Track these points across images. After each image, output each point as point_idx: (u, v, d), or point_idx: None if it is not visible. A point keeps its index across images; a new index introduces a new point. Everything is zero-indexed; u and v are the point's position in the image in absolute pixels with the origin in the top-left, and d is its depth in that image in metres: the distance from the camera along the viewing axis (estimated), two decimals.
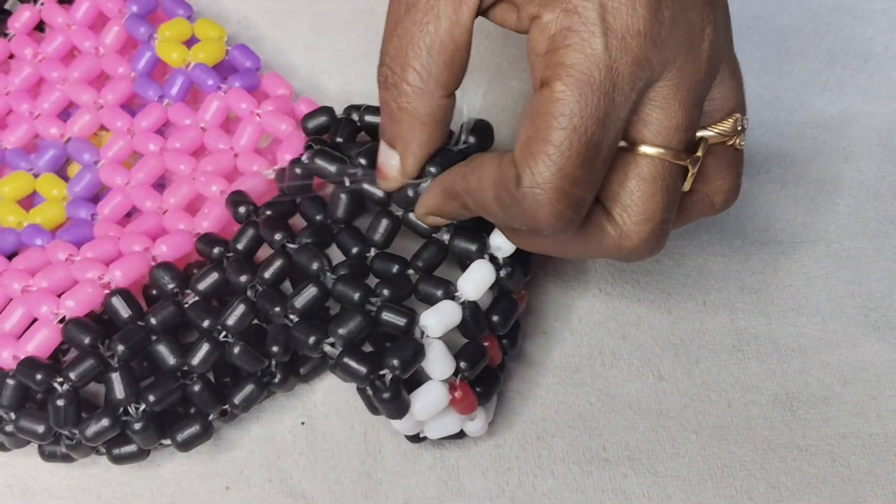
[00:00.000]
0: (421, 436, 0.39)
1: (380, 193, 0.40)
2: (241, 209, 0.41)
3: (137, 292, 0.41)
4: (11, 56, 0.47)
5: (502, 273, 0.39)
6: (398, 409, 0.37)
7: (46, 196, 0.44)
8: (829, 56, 0.51)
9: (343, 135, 0.43)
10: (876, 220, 0.46)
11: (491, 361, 0.39)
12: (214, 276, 0.40)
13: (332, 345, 0.37)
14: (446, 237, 0.40)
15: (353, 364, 0.37)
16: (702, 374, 0.42)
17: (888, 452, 0.41)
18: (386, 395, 0.36)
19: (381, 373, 0.37)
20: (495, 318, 0.39)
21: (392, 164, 0.38)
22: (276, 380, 0.40)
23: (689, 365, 0.43)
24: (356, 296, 0.38)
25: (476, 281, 0.38)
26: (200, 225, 0.42)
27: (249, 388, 0.39)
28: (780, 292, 0.44)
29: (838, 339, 0.43)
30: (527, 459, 0.41)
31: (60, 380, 0.37)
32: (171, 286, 0.40)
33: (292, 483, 0.40)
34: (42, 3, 0.47)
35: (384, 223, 0.40)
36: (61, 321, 0.38)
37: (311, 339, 0.37)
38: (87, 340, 0.38)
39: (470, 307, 0.38)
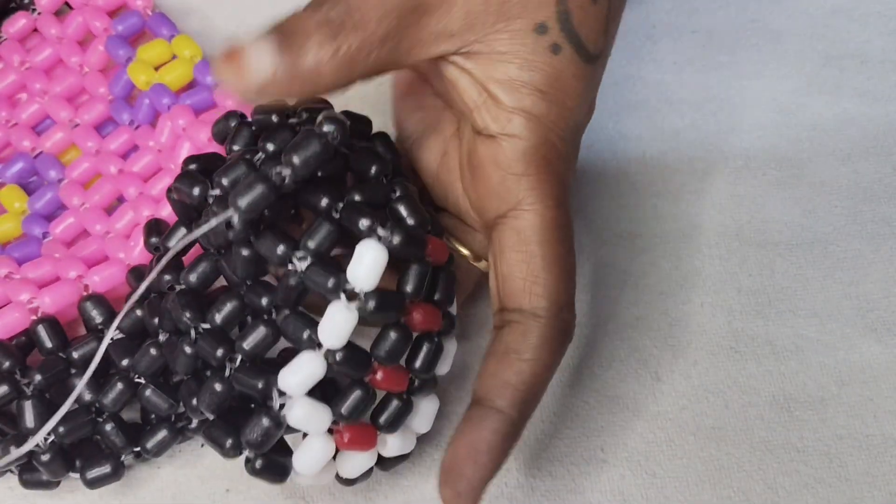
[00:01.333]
0: (352, 478, 0.37)
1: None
2: (153, 240, 0.38)
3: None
4: None
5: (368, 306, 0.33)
6: (276, 475, 0.34)
7: (8, 208, 0.43)
8: (826, 58, 0.51)
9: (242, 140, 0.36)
10: (873, 222, 0.46)
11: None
12: (136, 315, 0.38)
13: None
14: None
15: (218, 433, 0.34)
16: (699, 376, 0.42)
17: (885, 453, 0.41)
18: (257, 466, 0.34)
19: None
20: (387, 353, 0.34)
21: (266, 68, 0.32)
22: (192, 425, 0.38)
23: (686, 366, 0.43)
24: (218, 354, 0.34)
25: (335, 326, 0.32)
26: (133, 255, 0.41)
27: (162, 433, 0.38)
28: (778, 294, 0.44)
29: (836, 340, 0.43)
30: (525, 461, 0.41)
31: None
32: (96, 321, 0.39)
33: (291, 484, 0.40)
34: (38, 13, 0.47)
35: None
36: None
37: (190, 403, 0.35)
38: (4, 365, 0.37)
39: (336, 355, 0.33)
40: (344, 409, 0.34)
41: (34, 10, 0.47)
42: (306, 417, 0.33)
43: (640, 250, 0.45)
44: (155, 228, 0.39)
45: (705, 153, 0.48)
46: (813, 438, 0.41)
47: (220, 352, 0.33)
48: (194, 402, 0.34)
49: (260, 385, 0.33)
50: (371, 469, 0.36)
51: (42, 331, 0.38)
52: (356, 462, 0.36)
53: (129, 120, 0.45)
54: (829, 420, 0.42)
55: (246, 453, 0.34)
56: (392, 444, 0.36)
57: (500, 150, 0.35)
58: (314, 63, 0.32)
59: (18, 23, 0.47)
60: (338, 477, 0.37)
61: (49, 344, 0.38)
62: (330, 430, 0.34)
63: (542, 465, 0.41)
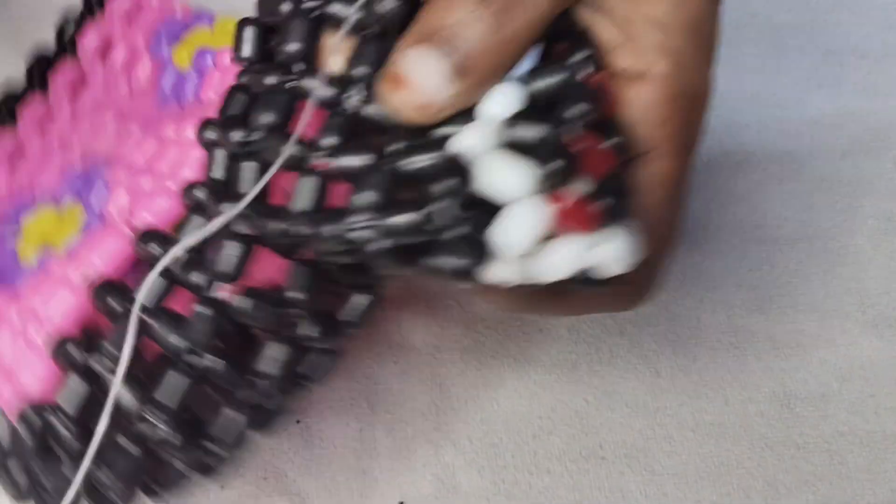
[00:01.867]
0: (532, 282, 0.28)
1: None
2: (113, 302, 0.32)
3: None
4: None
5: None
6: (470, 250, 0.27)
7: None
8: (826, 53, 0.51)
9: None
10: (874, 218, 0.46)
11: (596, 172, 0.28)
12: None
13: None
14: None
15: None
16: (699, 372, 0.42)
17: (886, 450, 0.41)
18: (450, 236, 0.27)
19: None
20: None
21: (446, 93, 0.28)
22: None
23: (686, 362, 0.42)
24: None
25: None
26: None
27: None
28: (778, 289, 0.44)
29: (836, 336, 0.43)
30: (522, 457, 0.40)
31: None
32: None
33: (287, 481, 0.40)
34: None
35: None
36: None
37: None
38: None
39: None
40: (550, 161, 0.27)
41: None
42: (501, 171, 0.27)
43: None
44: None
45: (704, 148, 0.48)
46: (813, 435, 0.41)
47: None
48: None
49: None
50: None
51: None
52: (560, 256, 0.28)
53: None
54: (830, 416, 0.41)
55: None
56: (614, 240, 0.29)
57: (641, 93, 0.32)
58: (496, 54, 0.28)
59: (65, 75, 0.44)
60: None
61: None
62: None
63: (540, 462, 0.40)
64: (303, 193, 0.29)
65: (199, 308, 0.31)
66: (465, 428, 0.41)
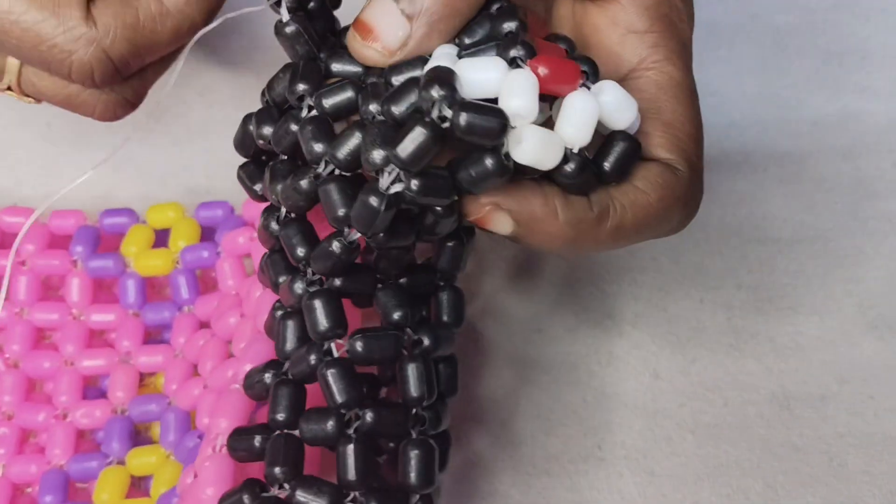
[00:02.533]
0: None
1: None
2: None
3: None
4: None
5: None
6: (494, 116, 0.29)
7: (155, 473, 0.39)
8: (827, 54, 0.51)
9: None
10: (874, 219, 0.46)
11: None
12: None
13: None
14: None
15: None
16: (698, 373, 0.42)
17: (885, 452, 0.41)
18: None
19: None
20: None
21: (399, 34, 0.31)
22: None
23: (685, 363, 0.42)
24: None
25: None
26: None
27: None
28: (778, 290, 0.44)
29: (836, 337, 0.43)
30: (521, 458, 0.40)
31: None
32: None
33: None
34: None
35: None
36: None
37: None
38: None
39: None
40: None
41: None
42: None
43: (639, 246, 0.45)
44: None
45: (705, 148, 0.48)
46: (813, 436, 0.41)
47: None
48: None
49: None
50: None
51: None
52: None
53: (174, 311, 0.42)
54: (829, 418, 0.41)
55: None
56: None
57: (619, 9, 0.34)
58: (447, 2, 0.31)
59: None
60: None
61: None
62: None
63: (539, 462, 0.40)
64: None
65: None
66: (465, 428, 0.41)
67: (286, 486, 0.31)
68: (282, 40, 0.33)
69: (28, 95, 0.36)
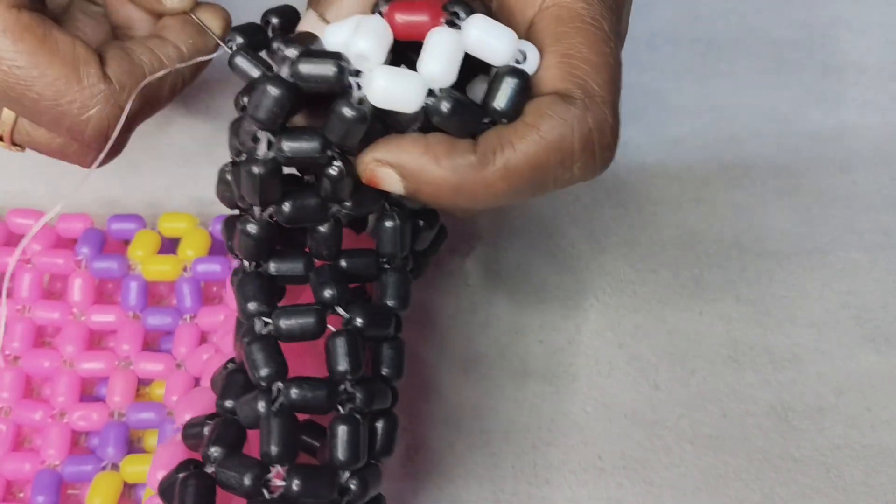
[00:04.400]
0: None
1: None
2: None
3: None
4: None
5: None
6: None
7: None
8: (825, 68, 0.51)
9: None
10: (871, 232, 0.46)
11: None
12: None
13: None
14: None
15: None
16: (697, 384, 0.42)
17: (882, 463, 0.41)
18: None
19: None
20: None
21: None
22: None
23: (684, 375, 0.43)
24: None
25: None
26: None
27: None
28: (776, 303, 0.44)
29: (833, 349, 0.43)
30: (522, 468, 0.41)
31: None
32: None
33: None
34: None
35: None
36: None
37: None
38: None
39: None
40: None
41: None
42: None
43: (638, 258, 0.45)
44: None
45: (704, 162, 0.48)
46: (810, 448, 0.41)
47: None
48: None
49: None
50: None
51: None
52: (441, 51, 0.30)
53: (178, 319, 0.42)
54: (827, 430, 0.42)
55: None
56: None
57: None
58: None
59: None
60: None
61: None
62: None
63: (539, 472, 0.40)
64: None
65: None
66: (466, 438, 0.41)
67: (219, 464, 0.32)
68: (235, 71, 0.34)
69: (17, 145, 0.37)
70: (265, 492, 0.31)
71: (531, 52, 0.31)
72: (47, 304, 0.43)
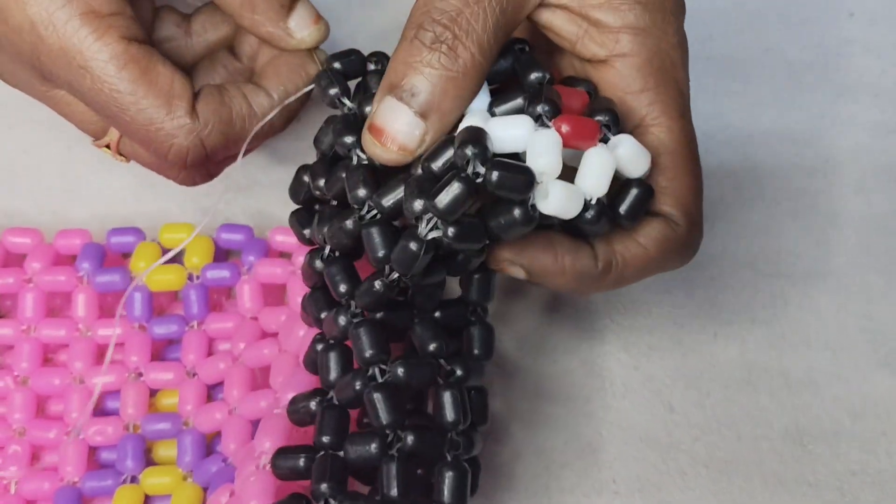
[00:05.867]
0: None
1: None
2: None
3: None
4: None
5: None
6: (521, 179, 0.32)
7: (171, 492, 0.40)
8: (840, 89, 0.51)
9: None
10: (887, 255, 0.46)
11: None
12: None
13: None
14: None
15: None
16: (712, 407, 0.42)
17: None
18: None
19: None
20: None
21: (416, 134, 0.33)
22: None
23: (699, 397, 0.42)
24: None
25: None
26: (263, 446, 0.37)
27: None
28: (791, 325, 0.44)
29: (849, 373, 0.43)
30: (535, 490, 0.40)
31: None
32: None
33: None
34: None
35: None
36: None
37: None
38: None
39: None
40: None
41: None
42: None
43: (653, 279, 0.45)
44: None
45: (718, 182, 0.48)
46: (825, 473, 0.41)
47: None
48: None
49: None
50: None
51: None
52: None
53: (184, 327, 0.42)
54: (843, 454, 0.41)
55: None
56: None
57: (613, 73, 0.36)
58: (452, 91, 0.33)
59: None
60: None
61: None
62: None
63: (553, 494, 0.40)
64: None
65: None
66: (479, 459, 0.41)
67: (331, 501, 0.33)
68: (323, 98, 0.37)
69: (122, 155, 0.40)
70: None
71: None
72: (52, 321, 0.42)
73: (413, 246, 0.32)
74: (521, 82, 0.35)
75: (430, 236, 0.32)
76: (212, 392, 0.42)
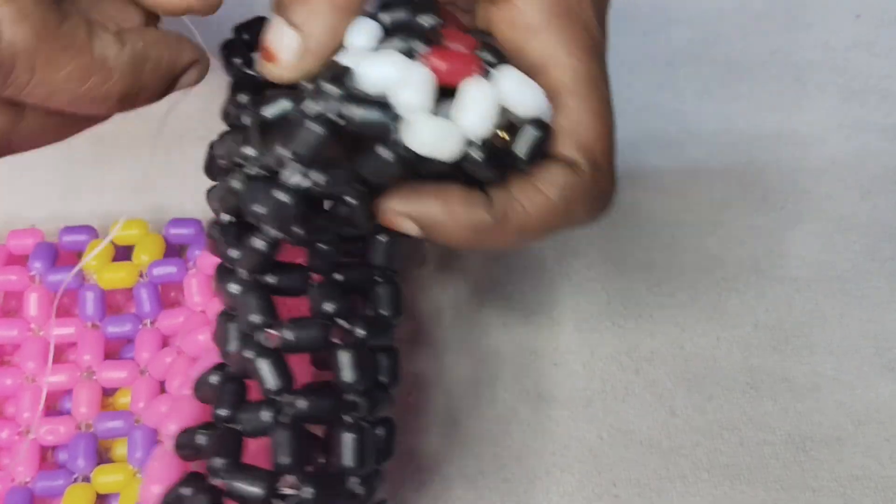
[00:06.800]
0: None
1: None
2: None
3: None
4: None
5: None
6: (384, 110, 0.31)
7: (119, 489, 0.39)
8: (847, 92, 0.51)
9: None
10: (892, 260, 0.46)
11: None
12: None
13: None
14: None
15: None
16: (714, 412, 0.42)
17: None
18: None
19: None
20: None
21: (289, 44, 0.32)
22: None
23: (701, 401, 0.42)
24: None
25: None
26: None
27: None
28: (795, 330, 0.44)
29: (852, 378, 0.43)
30: (535, 494, 0.40)
31: None
32: None
33: None
34: None
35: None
36: None
37: None
38: None
39: None
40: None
41: None
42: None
43: (656, 281, 0.45)
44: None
45: (724, 184, 0.48)
46: (828, 478, 0.41)
47: None
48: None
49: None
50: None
51: None
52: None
53: (138, 324, 0.42)
54: (845, 460, 0.41)
55: None
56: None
57: (514, 11, 0.33)
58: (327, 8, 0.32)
59: None
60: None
61: None
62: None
63: (553, 499, 0.40)
64: None
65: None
66: (478, 463, 0.41)
67: (224, 475, 0.32)
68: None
69: None
70: (277, 501, 0.32)
71: (547, 105, 0.33)
72: (4, 322, 0.42)
73: (280, 195, 0.30)
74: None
75: (293, 181, 0.30)
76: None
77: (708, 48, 0.52)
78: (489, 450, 0.41)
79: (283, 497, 0.31)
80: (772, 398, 0.42)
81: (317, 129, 0.30)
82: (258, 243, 0.32)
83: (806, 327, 0.44)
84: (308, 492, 0.31)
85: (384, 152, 0.31)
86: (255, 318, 0.33)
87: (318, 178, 0.30)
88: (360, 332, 0.34)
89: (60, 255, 0.44)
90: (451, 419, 0.41)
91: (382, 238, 0.35)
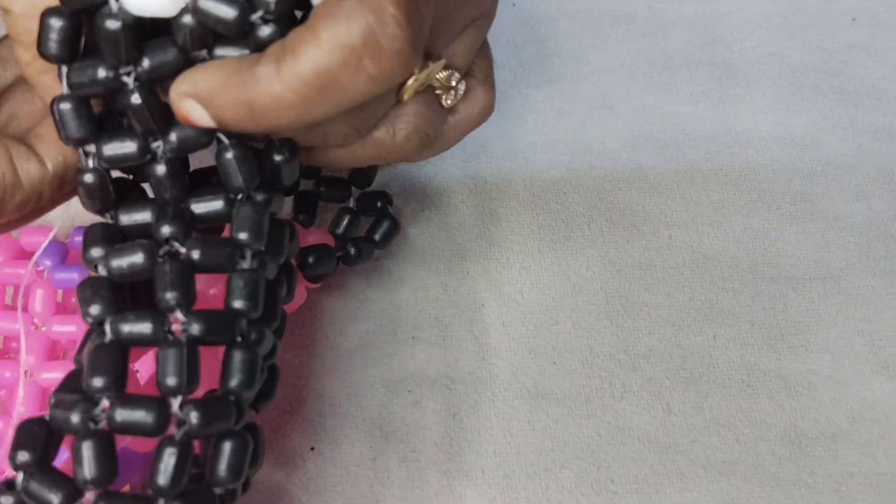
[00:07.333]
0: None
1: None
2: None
3: None
4: None
5: None
6: None
7: None
8: (842, 94, 0.51)
9: None
10: (887, 259, 0.46)
11: None
12: None
13: None
14: None
15: None
16: (711, 409, 0.42)
17: (895, 492, 0.41)
18: None
19: None
20: None
21: None
22: None
23: (698, 399, 0.43)
24: None
25: None
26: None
27: None
28: (790, 328, 0.44)
29: (847, 376, 0.43)
30: (535, 490, 0.41)
31: None
32: None
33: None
34: None
35: None
36: None
37: None
38: None
39: None
40: None
41: None
42: None
43: (654, 281, 0.45)
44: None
45: (720, 185, 0.48)
46: (823, 475, 0.41)
47: None
48: None
49: None
50: None
51: None
52: None
53: None
54: (840, 457, 0.41)
55: None
56: None
57: None
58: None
59: None
60: None
61: None
62: None
63: (552, 495, 0.40)
64: None
65: None
66: (478, 459, 0.41)
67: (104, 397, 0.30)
68: None
69: None
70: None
71: None
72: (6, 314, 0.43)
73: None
74: None
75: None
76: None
77: (705, 51, 0.53)
78: (489, 447, 0.41)
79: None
80: (767, 396, 0.43)
81: (56, 21, 0.31)
82: (86, 178, 0.33)
83: (801, 326, 0.44)
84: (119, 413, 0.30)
85: (103, 17, 0.30)
86: (95, 252, 0.33)
87: (78, 80, 0.31)
88: (196, 253, 0.32)
89: (71, 253, 0.44)
90: (451, 416, 0.42)
91: (228, 155, 0.32)
